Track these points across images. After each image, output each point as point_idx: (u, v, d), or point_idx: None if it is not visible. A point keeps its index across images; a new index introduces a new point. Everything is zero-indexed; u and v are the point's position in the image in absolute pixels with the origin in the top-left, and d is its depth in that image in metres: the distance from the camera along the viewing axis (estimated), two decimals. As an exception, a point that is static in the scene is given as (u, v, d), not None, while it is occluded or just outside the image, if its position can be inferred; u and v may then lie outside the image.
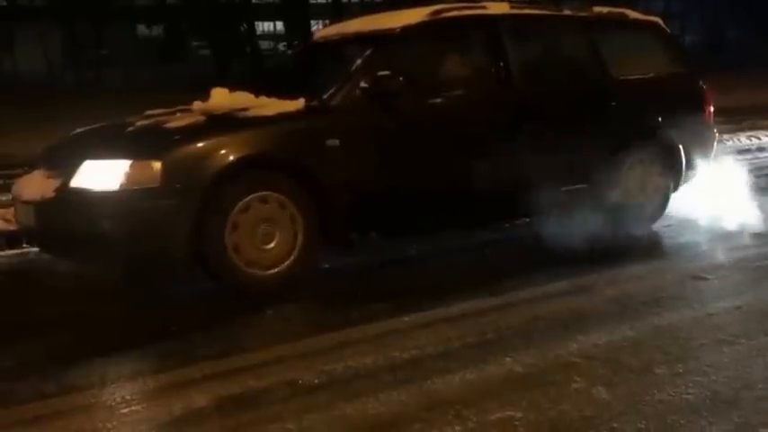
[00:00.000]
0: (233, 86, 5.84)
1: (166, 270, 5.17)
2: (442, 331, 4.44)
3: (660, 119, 6.83)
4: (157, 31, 38.73)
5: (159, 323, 4.76)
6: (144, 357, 4.18)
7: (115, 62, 36.60)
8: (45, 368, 4.07)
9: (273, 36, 45.09)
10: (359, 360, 4.03)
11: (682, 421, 3.28)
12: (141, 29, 41.88)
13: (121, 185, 4.81)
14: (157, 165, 4.82)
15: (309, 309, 5.01)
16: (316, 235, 5.27)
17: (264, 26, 45.82)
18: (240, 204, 5.01)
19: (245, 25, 34.61)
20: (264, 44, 41.24)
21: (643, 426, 3.25)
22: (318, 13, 35.48)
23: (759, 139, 12.60)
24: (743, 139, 12.48)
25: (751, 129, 13.18)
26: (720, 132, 12.14)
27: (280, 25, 42.96)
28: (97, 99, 17.92)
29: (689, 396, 3.51)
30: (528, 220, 6.73)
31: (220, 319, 4.79)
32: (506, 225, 6.82)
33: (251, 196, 5.05)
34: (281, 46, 40.72)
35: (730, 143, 12.12)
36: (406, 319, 4.67)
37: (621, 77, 6.81)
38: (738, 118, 13.77)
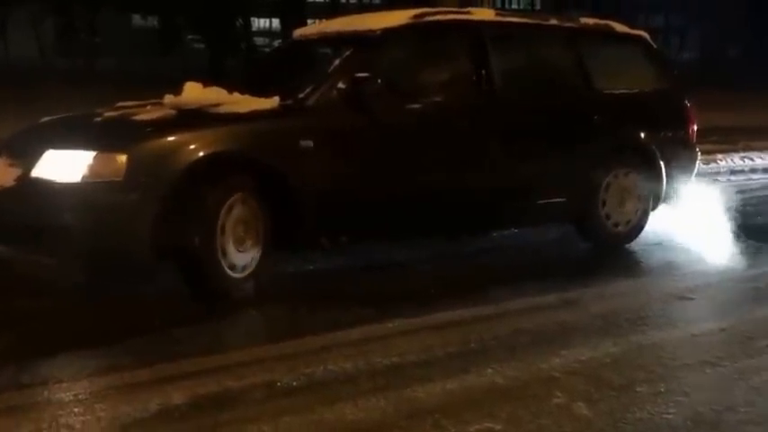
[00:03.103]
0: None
1: (127, 266, 4.99)
2: (425, 339, 4.41)
3: (642, 135, 6.77)
4: (152, 21, 38.57)
5: (142, 318, 4.70)
6: (123, 352, 4.12)
7: (108, 51, 36.44)
8: (22, 359, 4.00)
9: (269, 33, 45.04)
10: (340, 364, 3.99)
11: (662, 441, 3.27)
12: (136, 19, 41.71)
13: (84, 177, 4.67)
14: (122, 158, 4.68)
15: (294, 310, 4.93)
16: (272, 237, 5.16)
17: (260, 23, 45.76)
18: (227, 205, 4.91)
19: (240, 21, 34.49)
20: (259, 41, 41.16)
21: (623, 444, 3.24)
22: (316, 11, 35.44)
23: (752, 160, 12.59)
24: (736, 160, 12.47)
25: (745, 149, 13.17)
26: (714, 152, 12.26)
27: (276, 22, 42.90)
28: (87, 87, 17.77)
29: (669, 416, 3.49)
30: (516, 230, 6.73)
31: (204, 316, 4.74)
32: (494, 234, 6.80)
33: (234, 196, 4.95)
34: (277, 43, 40.63)
35: (723, 163, 12.12)
36: (390, 325, 4.63)
37: (605, 91, 6.74)
38: (733, 138, 13.79)
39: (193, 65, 27.25)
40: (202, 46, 35.11)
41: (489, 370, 3.96)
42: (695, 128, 7.19)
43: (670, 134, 6.98)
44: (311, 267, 5.86)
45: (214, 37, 31.79)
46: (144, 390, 3.64)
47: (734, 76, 30.41)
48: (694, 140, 7.21)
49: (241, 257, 5.02)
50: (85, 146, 4.80)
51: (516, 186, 6.14)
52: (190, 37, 37.78)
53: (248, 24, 35.96)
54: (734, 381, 3.92)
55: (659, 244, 6.72)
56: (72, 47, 36.17)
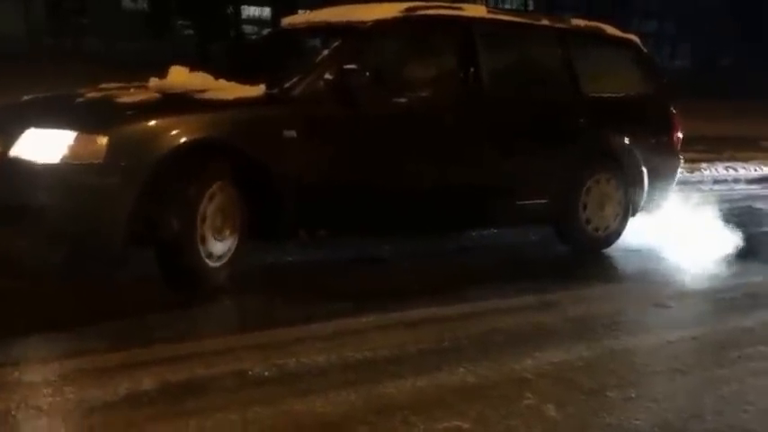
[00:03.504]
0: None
1: (103, 250, 4.84)
2: (399, 335, 4.41)
3: (627, 140, 6.77)
4: (142, 5, 38.38)
5: (116, 302, 4.69)
6: (96, 335, 4.11)
7: (97, 32, 36.18)
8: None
9: (259, 21, 44.86)
10: (312, 357, 3.99)
11: (629, 447, 3.28)
12: (126, 1, 41.46)
13: (63, 158, 4.57)
14: (103, 140, 4.58)
15: (270, 301, 4.92)
16: (249, 227, 5.11)
17: (251, 11, 45.57)
18: (208, 193, 4.84)
19: (231, 8, 34.34)
20: (248, 29, 40.97)
21: (589, 448, 3.25)
22: (307, 1, 35.25)
23: (736, 170, 12.69)
24: (720, 170, 12.56)
25: (730, 160, 13.28)
26: (699, 161, 12.34)
27: (267, 11, 42.69)
28: (73, 67, 17.63)
29: (638, 422, 3.50)
30: (497, 231, 6.73)
31: (179, 303, 4.71)
32: (474, 234, 6.80)
33: (215, 184, 4.88)
34: (266, 32, 40.31)
35: (708, 172, 12.19)
36: (365, 319, 4.62)
37: (592, 94, 6.74)
38: (719, 147, 13.87)
39: (182, 50, 27.12)
40: (191, 32, 34.94)
41: (461, 369, 3.96)
42: (680, 135, 7.20)
43: (654, 140, 6.99)
44: (290, 259, 5.84)
45: (203, 23, 31.67)
46: (114, 374, 3.62)
47: (724, 85, 30.54)
48: (678, 148, 7.22)
49: (219, 246, 4.97)
50: (66, 126, 4.69)
51: (498, 186, 6.14)
52: (179, 22, 37.60)
53: (238, 12, 35.86)
54: (704, 389, 3.93)
55: (638, 250, 6.74)
56: (62, 26, 35.88)
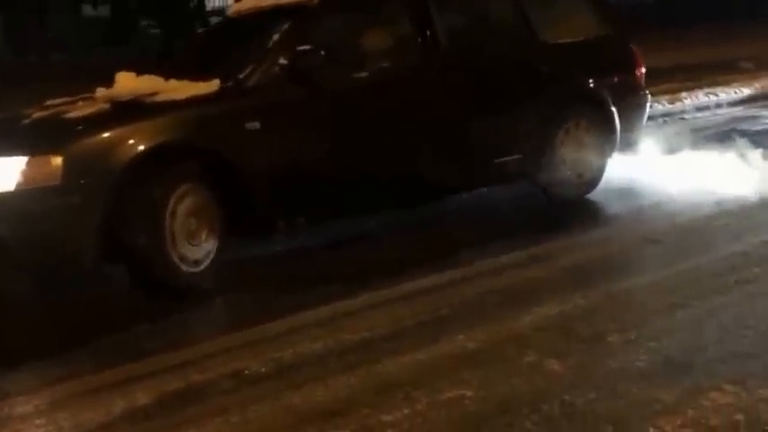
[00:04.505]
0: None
1: (73, 274, 4.82)
2: (394, 310, 4.35)
3: (592, 84, 6.67)
4: (104, 11, 37.92)
5: (100, 318, 4.61)
6: (84, 355, 4.04)
7: (61, 46, 35.79)
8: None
9: (223, 12, 44.44)
10: (308, 346, 3.94)
11: (633, 389, 3.25)
12: (87, 9, 40.88)
13: (18, 185, 4.42)
14: (58, 160, 4.45)
15: (260, 294, 4.84)
16: (226, 225, 5.00)
17: (215, 2, 45.14)
18: (174, 198, 4.71)
19: (194, 1, 33.95)
20: (214, 20, 40.53)
21: (594, 396, 3.21)
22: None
23: (717, 95, 12.55)
24: (701, 96, 12.43)
25: (709, 85, 13.15)
26: (678, 90, 12.24)
27: (231, 0, 42.30)
28: (40, 83, 17.41)
29: (641, 363, 3.48)
30: (485, 190, 6.65)
31: (167, 310, 4.62)
32: (455, 197, 6.71)
33: (181, 188, 4.75)
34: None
35: (688, 101, 12.07)
36: (358, 299, 4.56)
37: (552, 41, 6.61)
38: (697, 74, 13.75)
39: (150, 51, 26.84)
40: (157, 31, 34.57)
41: (460, 336, 3.91)
42: (643, 70, 7.11)
43: (619, 80, 6.88)
44: (271, 250, 5.71)
45: (168, 20, 31.35)
46: (107, 393, 3.56)
47: (692, 12, 30.34)
48: (643, 83, 7.14)
49: (195, 251, 4.84)
50: (16, 151, 4.54)
51: (472, 146, 6.01)
52: (144, 23, 37.21)
53: (202, 5, 35.54)
54: (704, 321, 3.91)
55: (622, 190, 6.59)
56: (24, 43, 35.43)
